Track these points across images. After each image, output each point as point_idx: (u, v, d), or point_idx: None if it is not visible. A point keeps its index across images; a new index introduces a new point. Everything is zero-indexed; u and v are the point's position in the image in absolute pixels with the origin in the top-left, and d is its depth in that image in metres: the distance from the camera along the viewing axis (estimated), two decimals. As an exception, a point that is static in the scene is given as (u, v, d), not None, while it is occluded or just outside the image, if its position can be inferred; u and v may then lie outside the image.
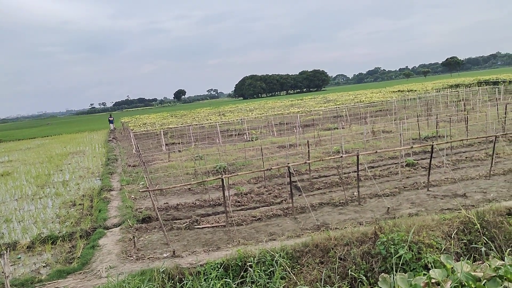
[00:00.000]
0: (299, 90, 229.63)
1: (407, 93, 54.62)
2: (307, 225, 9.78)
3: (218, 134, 29.51)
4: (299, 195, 12.31)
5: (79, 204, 14.55)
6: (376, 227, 8.16)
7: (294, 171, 15.41)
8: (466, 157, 15.07)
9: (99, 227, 11.21)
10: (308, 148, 14.75)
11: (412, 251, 7.41)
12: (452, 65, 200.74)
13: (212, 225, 10.52)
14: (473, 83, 59.12)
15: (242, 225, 10.35)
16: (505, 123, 19.63)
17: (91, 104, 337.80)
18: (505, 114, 20.23)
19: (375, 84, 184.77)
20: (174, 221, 11.28)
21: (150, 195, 9.82)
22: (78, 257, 9.32)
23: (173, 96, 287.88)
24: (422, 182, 12.33)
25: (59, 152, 32.75)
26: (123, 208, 12.94)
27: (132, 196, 14.60)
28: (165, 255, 8.81)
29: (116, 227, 11.30)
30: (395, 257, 7.18)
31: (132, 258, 8.84)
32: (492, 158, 12.45)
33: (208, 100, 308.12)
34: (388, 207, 10.21)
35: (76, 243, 10.42)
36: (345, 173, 14.43)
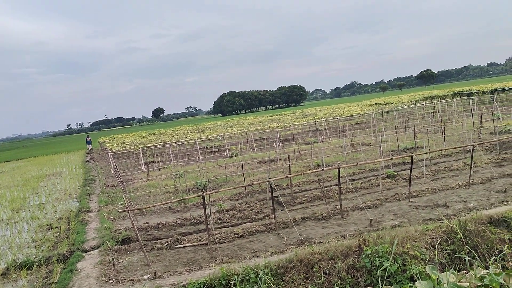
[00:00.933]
0: (277, 106, 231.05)
1: (384, 106, 55.49)
2: (290, 240, 9.65)
3: (198, 151, 29.28)
4: (282, 210, 12.20)
5: (56, 227, 14.09)
6: (360, 240, 8.09)
7: (276, 186, 15.31)
8: (445, 167, 15.23)
9: (77, 250, 10.85)
10: (289, 162, 14.70)
11: (397, 263, 7.34)
12: (426, 77, 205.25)
13: (194, 243, 10.29)
14: (447, 95, 60.44)
15: (225, 242, 10.16)
16: (481, 133, 19.99)
17: (68, 125, 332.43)
18: (481, 124, 20.63)
19: (353, 98, 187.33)
20: (155, 241, 11.01)
21: (129, 215, 9.55)
22: (55, 283, 8.96)
23: (152, 114, 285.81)
24: (403, 193, 12.38)
25: (35, 174, 31.95)
26: (101, 229, 12.59)
27: (111, 217, 14.24)
28: (146, 276, 8.54)
29: (95, 249, 10.96)
30: (380, 270, 7.11)
31: (111, 281, 8.53)
32: (471, 168, 12.60)
33: (187, 117, 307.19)
34: (371, 219, 10.18)
35: (53, 268, 10.03)
36: (326, 187, 14.40)
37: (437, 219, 9.56)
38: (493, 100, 37.57)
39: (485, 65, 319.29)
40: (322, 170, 11.74)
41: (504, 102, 40.87)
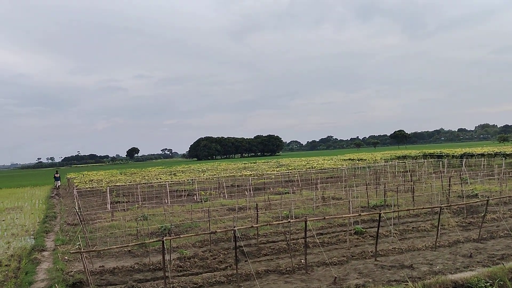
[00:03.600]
0: (253, 154, 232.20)
1: (357, 161, 56.18)
2: (250, 294, 9.21)
3: (167, 194, 28.65)
4: (245, 261, 11.77)
5: (6, 265, 13.20)
6: (322, 298, 7.76)
7: (242, 235, 14.90)
8: (413, 227, 15.17)
9: (22, 292, 10.11)
10: (257, 211, 14.41)
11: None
12: (399, 137, 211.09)
13: (149, 292, 9.72)
14: (419, 155, 61.85)
15: (182, 292, 9.63)
16: (449, 195, 20.22)
17: (39, 159, 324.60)
18: (449, 186, 20.90)
19: (328, 152, 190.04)
20: (108, 287, 10.37)
21: (82, 257, 9.01)
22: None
23: (126, 154, 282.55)
24: (370, 251, 12.16)
25: (-7, 206, 30.49)
26: (53, 270, 11.84)
27: (66, 258, 13.47)
28: (91, 326, 7.93)
29: (42, 292, 10.23)
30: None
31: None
32: (438, 230, 12.55)
33: (162, 159, 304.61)
34: (335, 277, 9.87)
35: (-7, 310, 9.27)
36: (293, 239, 14.08)
37: (402, 281, 9.33)
38: (462, 164, 38.58)
39: (456, 130, 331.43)
40: (289, 221, 11.50)
41: (472, 167, 41.96)
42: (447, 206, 15.17)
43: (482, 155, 50.97)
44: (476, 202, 16.67)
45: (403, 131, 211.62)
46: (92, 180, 44.02)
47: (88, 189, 35.44)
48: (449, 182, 21.20)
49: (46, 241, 16.46)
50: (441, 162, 44.53)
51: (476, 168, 38.78)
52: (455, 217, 16.82)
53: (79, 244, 14.70)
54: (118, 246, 9.99)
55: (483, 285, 8.74)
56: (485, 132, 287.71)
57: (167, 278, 9.75)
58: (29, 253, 14.35)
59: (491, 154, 51.43)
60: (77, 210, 16.69)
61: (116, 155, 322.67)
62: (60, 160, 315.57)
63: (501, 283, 8.97)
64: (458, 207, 18.31)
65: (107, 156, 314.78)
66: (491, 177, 28.61)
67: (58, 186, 50.08)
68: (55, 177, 51.94)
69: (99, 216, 22.10)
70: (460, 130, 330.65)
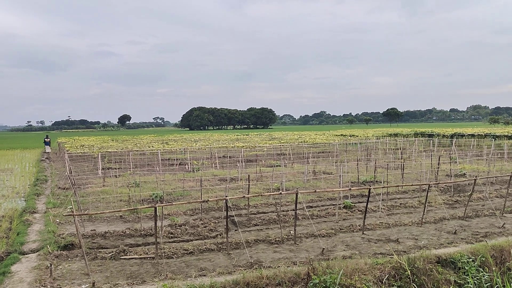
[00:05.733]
0: (246, 126, 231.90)
1: (349, 137, 56.47)
2: (240, 262, 9.42)
3: (159, 162, 28.71)
4: (235, 231, 11.97)
5: (-4, 226, 13.31)
6: (310, 268, 7.97)
7: (233, 205, 15.09)
8: (400, 204, 15.45)
9: (14, 252, 10.23)
10: (249, 182, 14.55)
11: (343, 294, 7.25)
12: (392, 115, 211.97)
13: (140, 256, 9.89)
14: (410, 134, 62.27)
15: (173, 258, 9.82)
16: (437, 173, 20.52)
17: (28, 122, 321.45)
18: (438, 165, 21.19)
19: (320, 127, 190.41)
20: (100, 250, 10.53)
21: (74, 219, 9.09)
22: (-16, 285, 8.36)
23: (118, 121, 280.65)
24: (358, 225, 12.41)
25: (-16, 168, 30.40)
26: (44, 232, 11.96)
27: (57, 220, 13.59)
28: (83, 286, 8.10)
29: (34, 252, 10.36)
30: (326, 300, 6.98)
31: (45, 288, 8.03)
32: (425, 206, 12.81)
33: (154, 128, 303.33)
34: (323, 248, 10.10)
35: (-15, 268, 9.39)
36: (283, 211, 14.30)
37: (388, 254, 9.58)
38: (452, 144, 38.96)
39: (448, 110, 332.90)
40: (280, 193, 11.66)
41: (462, 146, 42.40)
42: (435, 184, 15.44)
43: (472, 135, 51.43)
44: (463, 181, 16.95)
45: (395, 109, 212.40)
46: (83, 145, 43.94)
47: (79, 154, 35.40)
48: (439, 160, 21.48)
49: (37, 203, 16.55)
50: (431, 141, 44.94)
51: (466, 148, 39.21)
52: (442, 195, 17.13)
53: (71, 208, 14.81)
54: (110, 211, 10.10)
55: (465, 260, 9.01)
56: (476, 113, 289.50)
57: (158, 244, 9.91)
58: (20, 215, 14.44)
59: (481, 135, 51.93)
60: (69, 174, 16.72)
61: (108, 121, 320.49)
62: (50, 124, 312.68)
63: (483, 259, 9.25)
64: (446, 185, 18.62)
65: (98, 122, 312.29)
66: (479, 158, 28.99)
67: (49, 150, 46.63)
68: (45, 141, 48.29)
69: (91, 181, 22.17)
70: (452, 110, 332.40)
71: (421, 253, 9.20)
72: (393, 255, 9.10)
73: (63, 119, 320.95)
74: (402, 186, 14.41)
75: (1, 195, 18.73)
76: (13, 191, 19.81)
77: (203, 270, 8.86)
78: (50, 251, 10.19)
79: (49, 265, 8.97)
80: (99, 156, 28.78)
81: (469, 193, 14.83)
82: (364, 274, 8.04)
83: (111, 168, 28.45)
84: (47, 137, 50.00)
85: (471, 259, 9.13)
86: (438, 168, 20.88)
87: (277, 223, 12.61)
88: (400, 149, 37.05)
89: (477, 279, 8.59)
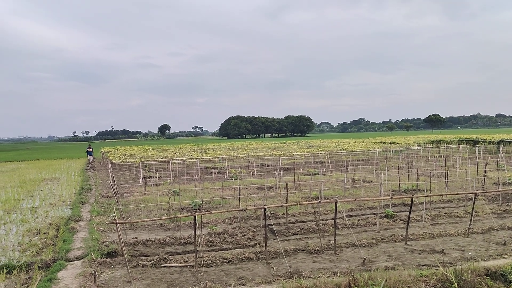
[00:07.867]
0: (283, 134, 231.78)
1: (389, 145, 55.27)
2: (279, 271, 9.33)
3: (198, 170, 29.07)
4: (274, 239, 11.90)
5: (44, 233, 13.82)
6: (351, 278, 7.79)
7: (271, 214, 15.03)
8: (445, 213, 14.91)
9: (60, 259, 10.56)
10: (287, 191, 14.46)
11: (386, 307, 7.03)
12: (434, 122, 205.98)
13: (180, 264, 9.99)
14: (453, 141, 60.25)
15: (212, 266, 9.85)
16: (484, 182, 19.69)
17: (74, 132, 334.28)
18: (485, 172, 20.34)
19: (359, 134, 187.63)
20: (141, 258, 10.71)
21: (117, 227, 9.30)
22: (32, 290, 8.66)
23: (158, 130, 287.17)
24: (400, 235, 12.06)
25: (33, 177, 31.78)
26: (89, 240, 12.31)
27: (101, 228, 13.96)
28: (125, 294, 8.24)
29: (79, 259, 10.67)
30: (368, 312, 6.79)
31: (89, 295, 8.23)
32: (471, 216, 12.29)
33: (193, 137, 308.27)
34: (364, 259, 9.86)
35: (34, 275, 9.73)
36: (322, 220, 14.11)
37: (433, 266, 9.24)
38: (499, 151, 37.34)
39: (494, 115, 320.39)
40: (319, 202, 11.49)
41: (510, 153, 40.57)
42: (482, 192, 14.82)
43: (521, 142, 49.17)
44: (512, 190, 16.15)
45: (438, 115, 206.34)
46: (125, 154, 45.11)
47: (122, 163, 36.34)
48: (485, 168, 20.61)
49: (82, 211, 17.08)
50: (477, 148, 43.27)
51: (514, 155, 37.47)
52: (490, 204, 16.42)
53: (114, 216, 15.20)
54: (150, 219, 10.26)
55: (517, 273, 8.55)
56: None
57: (197, 252, 9.98)
58: (66, 223, 14.95)
59: (531, 141, 49.56)
60: (112, 183, 17.18)
61: (148, 131, 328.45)
62: (94, 134, 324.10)
63: (536, 272, 8.75)
64: (493, 194, 17.85)
65: (139, 132, 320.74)
66: (529, 165, 27.65)
67: (92, 160, 47.47)
68: (87, 151, 48.26)
69: (132, 190, 22.70)
70: (498, 115, 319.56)
71: (468, 265, 8.81)
72: (438, 266, 8.76)
73: (106, 129, 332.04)
74: (446, 194, 13.89)
75: (49, 204, 19.47)
76: (60, 199, 20.55)
77: (242, 279, 8.84)
78: (94, 258, 10.46)
79: (93, 272, 9.19)
80: (140, 165, 29.46)
81: (519, 202, 14.12)
82: (408, 287, 7.77)
83: (151, 176, 29.06)
84: (89, 147, 50.25)
85: (523, 272, 8.65)
86: (484, 176, 20.04)
87: (316, 232, 12.44)
88: (443, 156, 35.88)
89: (530, 293, 8.12)
